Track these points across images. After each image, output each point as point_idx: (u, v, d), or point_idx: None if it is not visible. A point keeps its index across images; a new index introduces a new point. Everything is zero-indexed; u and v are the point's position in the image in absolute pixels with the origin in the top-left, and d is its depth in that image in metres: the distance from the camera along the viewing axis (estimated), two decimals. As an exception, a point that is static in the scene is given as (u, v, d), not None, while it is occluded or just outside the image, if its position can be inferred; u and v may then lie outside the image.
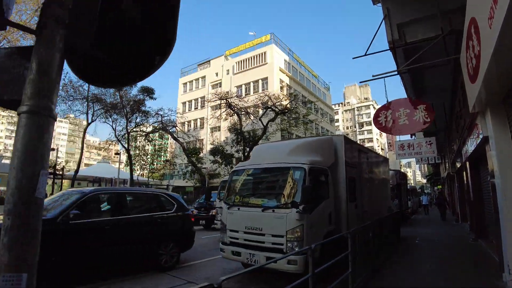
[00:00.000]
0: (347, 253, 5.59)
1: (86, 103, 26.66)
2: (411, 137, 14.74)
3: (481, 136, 6.86)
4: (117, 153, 32.30)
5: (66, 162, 71.67)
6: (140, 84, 28.29)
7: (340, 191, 7.65)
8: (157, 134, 37.49)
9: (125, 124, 29.49)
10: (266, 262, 4.82)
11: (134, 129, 31.34)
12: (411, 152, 14.42)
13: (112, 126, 29.92)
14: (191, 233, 8.60)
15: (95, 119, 28.37)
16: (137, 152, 36.94)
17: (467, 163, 11.04)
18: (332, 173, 7.51)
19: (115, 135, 30.31)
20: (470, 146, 8.75)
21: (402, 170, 35.58)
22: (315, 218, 6.46)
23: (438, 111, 13.74)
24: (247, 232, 6.65)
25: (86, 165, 77.14)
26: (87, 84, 25.22)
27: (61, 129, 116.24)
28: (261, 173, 7.45)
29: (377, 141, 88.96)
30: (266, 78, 45.17)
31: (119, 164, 30.14)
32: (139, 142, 34.03)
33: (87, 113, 27.35)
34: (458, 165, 14.86)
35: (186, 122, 48.77)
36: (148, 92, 30.07)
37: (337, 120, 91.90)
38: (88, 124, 27.92)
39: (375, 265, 7.10)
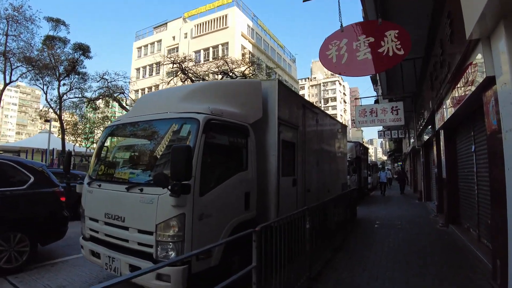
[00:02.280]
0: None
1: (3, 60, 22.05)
2: (375, 102, 12.49)
3: (479, 79, 4.47)
4: (47, 120, 27.83)
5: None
6: (74, 40, 24.15)
7: (268, 161, 5.12)
8: (102, 102, 33.16)
9: (63, 88, 25.36)
10: (128, 275, 2.17)
11: (76, 96, 27.18)
12: (373, 119, 12.21)
13: (43, 89, 25.53)
14: (59, 218, 5.97)
15: (18, 80, 23.91)
16: (78, 120, 32.66)
17: (441, 132, 8.88)
18: (256, 133, 4.92)
19: (46, 99, 25.96)
20: (453, 104, 6.44)
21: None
22: (213, 203, 3.93)
23: (408, 69, 11.47)
24: (108, 223, 4.07)
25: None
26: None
27: (9, 98, 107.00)
28: (137, 131, 4.69)
29: (341, 117, 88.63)
30: (227, 44, 42.04)
31: (49, 134, 25.84)
32: (85, 109, 29.82)
33: (4, 71, 22.71)
34: (426, 137, 12.90)
35: (140, 90, 44.94)
36: (83, 49, 25.73)
37: (303, 95, 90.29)
38: (6, 84, 23.39)
39: (312, 272, 4.71)
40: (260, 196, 4.92)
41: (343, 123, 10.80)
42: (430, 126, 10.66)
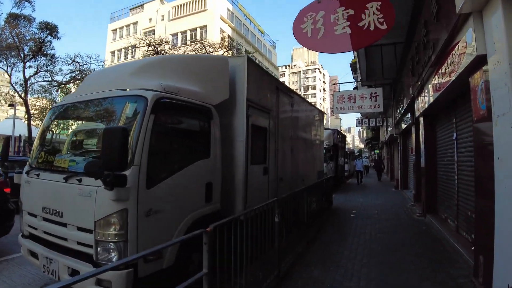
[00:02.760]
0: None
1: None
2: (354, 88, 12.13)
3: (467, 60, 4.04)
4: (11, 105, 25.89)
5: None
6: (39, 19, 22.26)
7: (234, 147, 4.59)
8: (74, 86, 31.28)
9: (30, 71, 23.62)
10: (61, 283, 1.58)
11: (45, 79, 25.42)
12: (352, 106, 11.84)
13: (7, 71, 23.64)
14: (3, 211, 5.31)
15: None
16: (47, 105, 30.72)
17: (421, 119, 8.59)
18: (222, 116, 4.35)
19: (10, 82, 24.12)
20: (436, 89, 6.06)
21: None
22: (165, 196, 3.39)
23: (389, 55, 11.10)
24: (46, 219, 3.46)
25: None
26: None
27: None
28: (80, 112, 4.04)
29: (320, 105, 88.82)
30: (205, 27, 40.85)
31: (14, 119, 24.05)
32: (56, 94, 27.96)
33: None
34: (405, 125, 12.68)
35: (114, 73, 42.82)
36: (50, 29, 23.86)
37: (284, 82, 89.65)
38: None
39: (281, 270, 4.26)
40: (226, 186, 4.40)
41: (322, 110, 10.37)
42: (409, 114, 10.39)
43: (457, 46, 4.45)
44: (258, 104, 5.10)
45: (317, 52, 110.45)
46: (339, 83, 12.20)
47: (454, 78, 4.69)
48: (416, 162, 9.74)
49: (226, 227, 2.95)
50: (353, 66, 25.19)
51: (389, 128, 17.92)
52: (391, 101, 15.08)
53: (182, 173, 3.59)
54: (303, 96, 8.62)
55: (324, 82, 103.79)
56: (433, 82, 6.19)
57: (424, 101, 7.43)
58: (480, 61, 3.78)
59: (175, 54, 26.99)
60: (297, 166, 7.17)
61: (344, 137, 20.85)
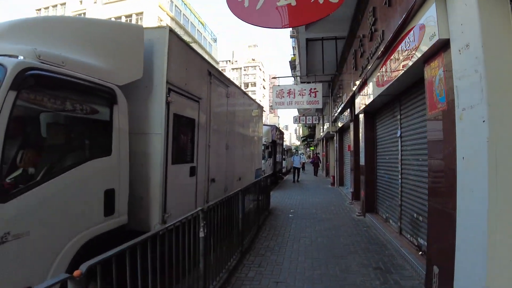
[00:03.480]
0: None
1: None
2: (294, 81, 11.66)
3: (424, 47, 3.54)
4: None
5: None
6: None
7: (149, 142, 3.55)
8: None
9: None
10: None
11: None
12: (291, 101, 11.38)
13: None
14: None
15: None
16: None
17: (361, 116, 8.33)
18: (132, 101, 3.32)
19: None
20: (382, 82, 5.66)
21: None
22: (34, 212, 2.28)
23: (330, 50, 10.83)
24: None
25: None
26: None
27: None
28: None
29: (260, 102, 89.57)
30: (142, 14, 38.25)
31: None
32: None
33: None
34: (342, 123, 12.61)
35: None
36: None
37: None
38: None
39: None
40: (137, 193, 3.37)
41: (261, 105, 9.70)
42: (348, 111, 10.21)
43: (412, 32, 3.96)
44: (183, 89, 4.12)
45: (257, 50, 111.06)
46: (278, 77, 11.56)
47: (406, 68, 4.22)
48: (355, 160, 9.56)
49: (116, 260, 1.95)
50: (292, 63, 25.23)
51: (326, 126, 18.04)
52: (329, 99, 15.05)
53: (64, 177, 2.50)
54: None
55: (264, 80, 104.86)
56: (378, 75, 5.79)
57: (366, 97, 7.10)
58: (441, 47, 3.28)
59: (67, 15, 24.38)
60: (233, 164, 6.34)
61: (282, 133, 20.64)
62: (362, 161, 8.30)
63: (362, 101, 7.72)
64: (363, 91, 7.46)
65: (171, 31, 3.80)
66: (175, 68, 3.87)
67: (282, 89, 11.49)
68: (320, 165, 25.90)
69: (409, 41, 4.07)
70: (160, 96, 3.57)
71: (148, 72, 3.57)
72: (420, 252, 4.57)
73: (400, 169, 5.76)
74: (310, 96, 11.15)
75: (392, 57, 4.81)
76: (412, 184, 5.11)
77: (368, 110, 7.75)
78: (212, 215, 3.72)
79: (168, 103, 3.62)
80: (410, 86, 5.06)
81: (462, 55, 2.87)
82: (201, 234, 3.25)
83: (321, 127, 22.48)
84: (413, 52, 3.93)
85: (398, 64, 4.51)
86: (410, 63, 4.06)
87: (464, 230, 2.85)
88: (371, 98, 6.56)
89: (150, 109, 3.56)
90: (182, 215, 3.05)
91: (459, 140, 2.92)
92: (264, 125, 13.83)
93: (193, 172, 4.40)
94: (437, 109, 3.46)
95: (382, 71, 5.51)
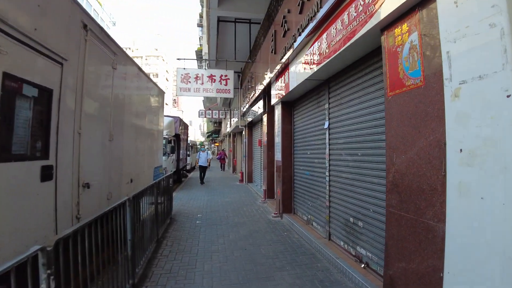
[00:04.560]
0: None
1: None
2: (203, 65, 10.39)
3: (382, 10, 2.66)
4: None
5: None
6: None
7: None
8: None
9: None
10: None
11: None
12: (198, 88, 9.96)
13: None
14: None
15: None
16: None
17: (277, 108, 7.48)
18: None
19: None
20: (311, 62, 4.77)
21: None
22: None
23: (242, 37, 9.80)
24: None
25: None
26: None
27: None
28: None
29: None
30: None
31: None
32: None
33: None
34: (251, 117, 11.76)
35: None
36: None
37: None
38: None
39: None
40: None
41: (163, 90, 8.00)
42: (261, 102, 9.33)
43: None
44: (30, 37, 2.43)
45: (162, 40, 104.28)
46: (184, 59, 9.81)
47: (352, 40, 3.35)
48: (268, 155, 8.74)
49: None
50: (198, 54, 23.56)
51: (234, 120, 17.10)
52: (238, 91, 14.12)
53: None
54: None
55: (167, 71, 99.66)
56: (307, 55, 4.90)
57: (286, 85, 6.23)
58: (416, 3, 2.44)
59: None
60: (121, 162, 4.68)
61: (187, 127, 18.93)
62: (278, 157, 7.48)
63: (279, 91, 6.85)
64: (282, 78, 6.58)
65: None
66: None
67: (189, 73, 9.97)
68: (227, 160, 25.34)
69: (359, 3, 3.18)
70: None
71: None
72: (363, 265, 3.81)
73: (328, 165, 5.00)
74: (221, 83, 9.94)
75: (331, 28, 3.91)
76: (347, 183, 4.36)
77: (287, 100, 6.94)
78: (78, 247, 2.18)
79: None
80: (348, 67, 4.29)
81: (460, 7, 2.03)
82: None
83: (228, 122, 21.56)
84: (365, 17, 3.05)
85: (341, 36, 3.63)
86: (359, 34, 3.18)
87: (462, 250, 2.02)
88: (294, 85, 5.69)
89: None
90: (21, 251, 1.50)
91: (453, 126, 2.08)
92: (167, 116, 12.09)
93: (48, 174, 2.71)
94: (405, 87, 2.61)
95: (312, 50, 4.62)
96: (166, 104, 79.69)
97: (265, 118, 9.18)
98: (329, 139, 4.98)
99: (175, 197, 9.53)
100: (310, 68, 4.74)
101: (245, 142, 13.93)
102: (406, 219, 2.59)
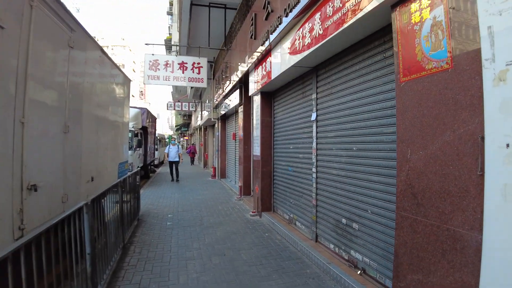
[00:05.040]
0: None
1: None
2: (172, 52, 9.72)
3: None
4: None
5: None
6: None
7: None
8: None
9: None
10: None
11: None
12: (168, 76, 9.22)
13: None
14: None
15: None
16: None
17: (256, 98, 7.00)
18: None
19: None
20: (299, 48, 4.32)
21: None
22: None
23: (217, 24, 9.19)
24: None
25: None
26: None
27: None
28: None
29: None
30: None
31: None
32: None
33: None
34: (225, 110, 11.20)
35: None
36: None
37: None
38: None
39: None
40: None
41: (129, 78, 7.21)
42: (237, 92, 8.80)
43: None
44: None
45: (128, 29, 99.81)
46: (153, 44, 9.00)
47: (354, 19, 2.94)
48: (245, 150, 8.27)
49: None
50: (167, 43, 22.42)
51: (205, 113, 16.40)
52: (210, 82, 13.45)
53: None
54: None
55: (134, 62, 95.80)
56: (295, 38, 4.45)
57: (267, 73, 5.76)
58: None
59: None
60: (78, 158, 4.00)
61: (155, 119, 17.96)
62: (256, 151, 7.02)
63: (259, 80, 6.38)
64: (262, 65, 6.10)
65: None
66: None
67: (157, 60, 9.17)
68: (197, 155, 24.65)
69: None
70: None
71: None
72: (359, 271, 3.46)
73: (315, 160, 4.61)
74: (193, 71, 9.26)
75: (326, 6, 3.47)
76: (338, 181, 3.98)
77: (268, 90, 6.49)
78: (22, 267, 1.60)
79: None
80: (342, 52, 3.88)
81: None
82: None
83: (199, 115, 20.76)
84: (376, -12, 2.64)
85: (340, 15, 3.20)
86: (363, 11, 2.77)
87: (505, 267, 1.67)
88: (276, 73, 5.24)
89: None
90: None
91: (496, 116, 1.71)
92: (133, 107, 11.23)
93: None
94: (424, 71, 2.23)
95: (302, 32, 4.17)
96: (133, 96, 76.28)
97: (241, 110, 8.67)
98: (317, 132, 4.58)
99: (142, 195, 8.85)
100: (299, 53, 4.30)
101: (218, 135, 13.34)
102: (423, 224, 2.22)
